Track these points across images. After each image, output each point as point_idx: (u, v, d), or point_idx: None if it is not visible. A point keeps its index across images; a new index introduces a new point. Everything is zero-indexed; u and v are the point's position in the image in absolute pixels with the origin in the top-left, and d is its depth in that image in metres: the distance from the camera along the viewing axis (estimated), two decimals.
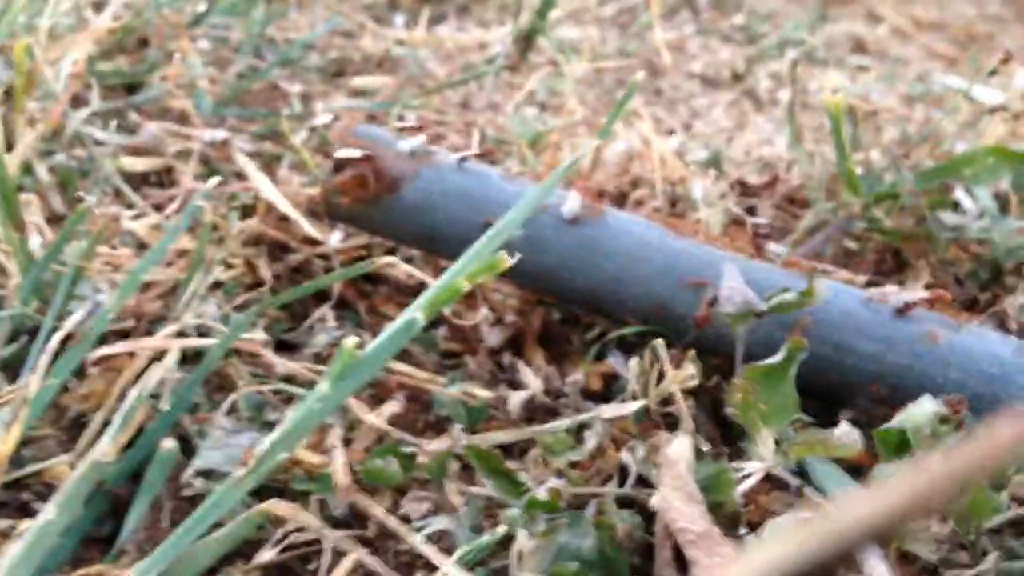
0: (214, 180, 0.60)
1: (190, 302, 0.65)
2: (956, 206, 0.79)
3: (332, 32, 1.32)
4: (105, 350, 0.59)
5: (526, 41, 0.99)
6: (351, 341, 0.49)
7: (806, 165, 0.95)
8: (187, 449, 0.59)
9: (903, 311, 0.57)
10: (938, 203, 0.78)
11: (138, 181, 0.90)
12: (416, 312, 0.49)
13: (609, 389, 0.66)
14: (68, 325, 0.55)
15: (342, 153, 0.67)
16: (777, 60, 1.51)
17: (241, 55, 1.14)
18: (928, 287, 0.75)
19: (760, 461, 0.47)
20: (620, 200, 0.91)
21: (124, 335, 0.68)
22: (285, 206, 0.78)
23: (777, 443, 0.49)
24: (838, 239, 0.80)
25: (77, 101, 0.95)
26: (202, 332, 0.65)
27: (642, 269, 0.63)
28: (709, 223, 0.78)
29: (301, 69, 1.19)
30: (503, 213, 0.66)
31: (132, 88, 1.06)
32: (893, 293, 0.58)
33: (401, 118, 0.96)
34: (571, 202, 0.65)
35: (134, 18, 1.13)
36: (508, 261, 0.48)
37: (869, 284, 0.76)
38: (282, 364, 0.63)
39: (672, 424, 0.59)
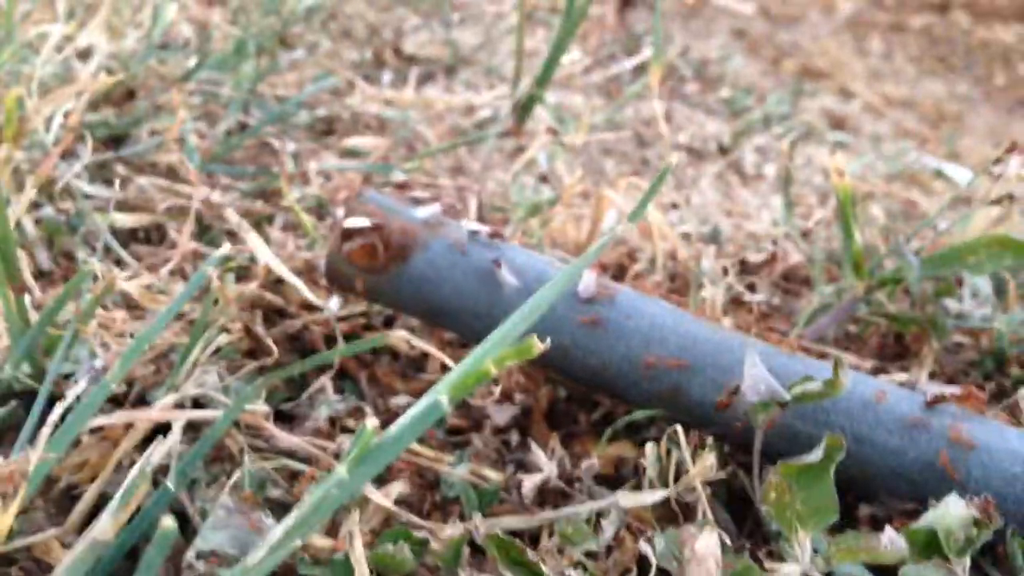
0: (226, 248, 0.58)
1: (191, 371, 0.62)
2: (959, 287, 0.79)
3: (319, 87, 1.31)
4: (102, 420, 0.57)
5: (525, 108, 0.98)
6: (372, 424, 0.47)
7: (803, 244, 0.96)
8: (184, 526, 0.57)
9: (932, 403, 0.56)
10: (944, 291, 0.78)
11: (126, 237, 0.88)
12: (440, 395, 0.47)
13: (619, 474, 0.64)
14: (72, 394, 0.53)
15: (352, 222, 0.65)
16: (762, 134, 1.52)
17: (230, 111, 1.13)
18: (932, 375, 0.75)
19: (795, 563, 0.46)
20: (619, 274, 0.90)
21: (116, 402, 0.65)
22: (283, 271, 0.76)
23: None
24: (842, 323, 0.80)
25: (64, 153, 0.93)
26: (200, 403, 0.63)
27: (656, 351, 0.62)
28: (714, 302, 0.77)
29: (290, 127, 1.18)
30: (515, 288, 0.65)
31: (117, 141, 1.04)
32: (915, 384, 0.58)
33: (403, 184, 0.95)
34: (586, 281, 0.63)
35: (122, 70, 1.11)
36: (539, 346, 0.46)
37: (875, 371, 0.75)
38: (284, 438, 0.61)
39: (688, 512, 0.58)
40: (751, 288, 0.88)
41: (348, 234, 0.66)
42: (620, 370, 0.63)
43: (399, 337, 0.61)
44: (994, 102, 2.71)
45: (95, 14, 1.26)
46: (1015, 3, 3.23)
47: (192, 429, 0.62)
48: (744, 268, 0.93)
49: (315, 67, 1.37)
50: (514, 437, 0.66)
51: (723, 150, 1.44)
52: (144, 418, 0.56)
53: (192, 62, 1.19)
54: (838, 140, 1.77)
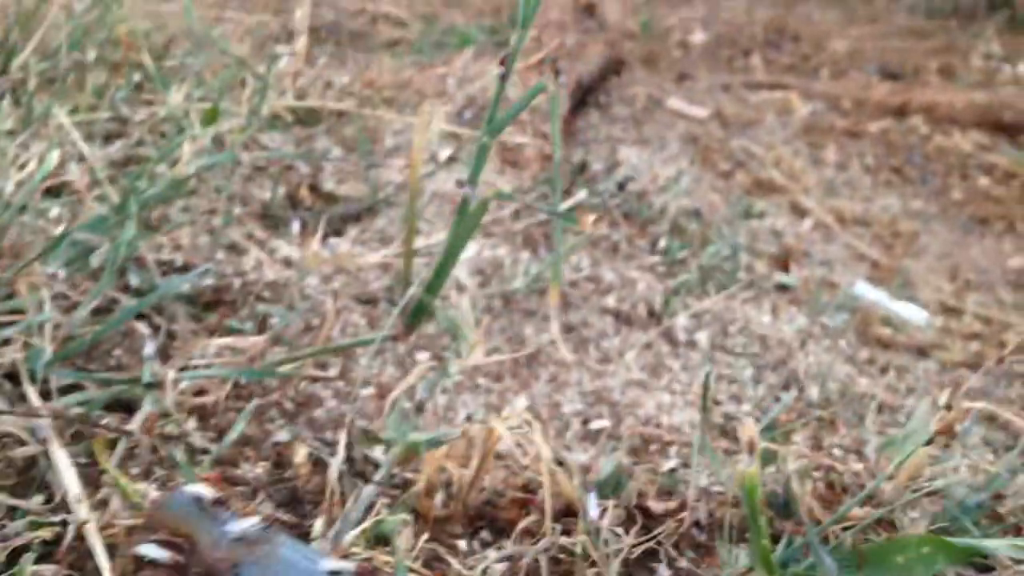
0: None
1: None
2: None
3: (214, 244, 1.20)
4: None
5: (414, 315, 0.88)
6: None
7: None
8: None
9: None
10: None
11: None
12: None
13: None
14: None
15: (144, 549, 0.54)
16: (697, 294, 1.43)
17: (102, 283, 1.00)
18: None
19: None
20: (501, 528, 0.79)
21: None
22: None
23: None
24: None
25: None
26: None
27: None
28: None
29: (169, 298, 1.06)
30: None
31: None
32: None
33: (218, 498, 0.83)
34: None
35: None
36: None
37: None
38: None
39: None
40: (654, 555, 0.77)
41: (139, 566, 0.54)
42: None
43: None
44: (950, 219, 2.65)
45: None
46: (973, 110, 3.23)
47: None
48: (647, 517, 0.81)
49: (212, 206, 1.26)
50: None
51: (653, 314, 1.34)
52: None
53: (63, 225, 1.08)
54: (782, 283, 1.68)
